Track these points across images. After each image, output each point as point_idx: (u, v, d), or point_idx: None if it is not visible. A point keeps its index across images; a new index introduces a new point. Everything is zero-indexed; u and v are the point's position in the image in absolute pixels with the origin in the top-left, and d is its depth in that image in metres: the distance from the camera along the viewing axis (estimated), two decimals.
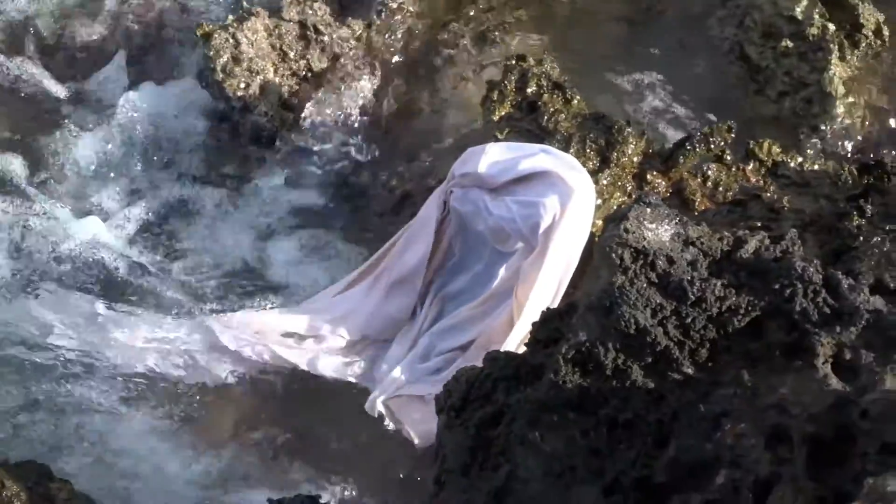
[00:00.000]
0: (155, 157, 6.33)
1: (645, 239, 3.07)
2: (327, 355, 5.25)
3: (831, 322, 2.89)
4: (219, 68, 6.29)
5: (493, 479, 3.24)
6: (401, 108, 6.40)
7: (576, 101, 5.53)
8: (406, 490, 4.87)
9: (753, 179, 5.36)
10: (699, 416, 2.97)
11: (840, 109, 5.74)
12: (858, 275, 3.67)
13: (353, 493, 4.84)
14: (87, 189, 6.16)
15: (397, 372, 5.13)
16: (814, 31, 5.81)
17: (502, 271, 5.18)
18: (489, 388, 3.47)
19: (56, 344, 5.24)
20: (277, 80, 6.38)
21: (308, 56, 6.45)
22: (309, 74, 6.46)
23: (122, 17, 6.94)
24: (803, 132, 5.77)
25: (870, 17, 5.95)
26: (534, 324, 3.57)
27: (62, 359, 5.17)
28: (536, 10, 6.75)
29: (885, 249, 4.74)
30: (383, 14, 6.65)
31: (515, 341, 4.82)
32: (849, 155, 5.74)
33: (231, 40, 6.29)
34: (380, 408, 5.02)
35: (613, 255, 3.04)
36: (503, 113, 5.60)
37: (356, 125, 6.37)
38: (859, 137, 5.79)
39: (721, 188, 5.36)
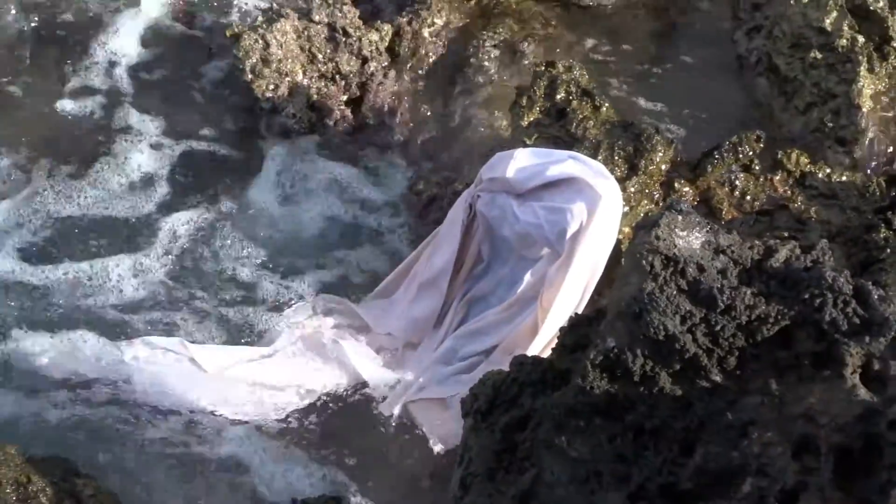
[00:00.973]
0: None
1: (676, 246, 3.07)
2: (363, 358, 5.26)
3: (860, 332, 2.90)
4: (248, 69, 6.33)
5: (519, 483, 3.26)
6: (428, 112, 6.41)
7: (604, 109, 5.53)
8: (425, 494, 4.87)
9: (781, 190, 5.36)
10: (726, 424, 2.98)
11: (868, 121, 5.72)
12: (885, 286, 3.65)
13: (374, 493, 4.84)
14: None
15: (419, 374, 5.15)
16: (843, 42, 5.80)
17: (528, 276, 5.18)
18: (516, 393, 3.48)
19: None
20: (306, 81, 6.39)
21: (337, 59, 6.45)
22: (337, 77, 6.46)
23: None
24: (830, 144, 5.76)
25: None
26: (561, 329, 3.58)
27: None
28: (565, 23, 6.76)
29: None
30: (413, 20, 6.65)
31: (539, 347, 4.82)
32: (875, 167, 5.72)
33: (260, 42, 6.31)
34: (396, 410, 5.04)
35: (644, 261, 3.05)
36: (532, 119, 5.60)
37: (383, 128, 6.38)
38: (888, 149, 5.77)
39: (748, 198, 5.36)
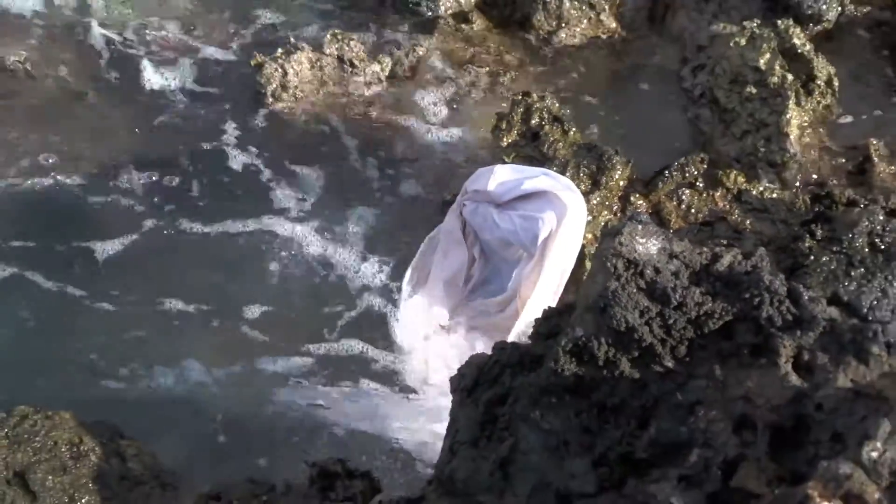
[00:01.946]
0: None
1: (636, 251, 3.06)
2: None
3: (793, 328, 2.89)
4: (269, 93, 6.32)
5: (499, 450, 3.24)
6: (421, 130, 6.38)
7: (572, 133, 5.55)
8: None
9: (721, 204, 5.37)
10: (676, 403, 2.97)
11: (794, 147, 5.72)
12: (810, 289, 3.66)
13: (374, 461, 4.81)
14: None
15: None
16: (774, 79, 5.80)
17: (513, 273, 5.17)
18: (497, 373, 3.46)
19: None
20: (316, 104, 6.40)
21: (344, 84, 6.46)
22: (345, 100, 6.46)
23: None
24: (763, 165, 5.76)
25: (822, 69, 5.94)
26: (536, 319, 3.57)
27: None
28: (539, 62, 6.76)
29: (833, 267, 4.74)
30: (409, 54, 6.65)
31: (517, 332, 4.83)
32: (801, 186, 5.72)
33: (280, 70, 6.33)
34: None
35: (608, 263, 3.04)
36: (510, 140, 5.61)
37: (383, 143, 6.35)
38: (811, 173, 5.78)
39: (693, 210, 5.38)
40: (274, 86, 6.33)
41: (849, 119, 6.12)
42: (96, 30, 6.85)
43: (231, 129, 6.31)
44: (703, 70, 6.38)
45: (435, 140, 6.24)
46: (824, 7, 6.42)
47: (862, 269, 4.75)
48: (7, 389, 4.76)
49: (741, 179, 5.50)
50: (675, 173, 5.43)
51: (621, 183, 5.37)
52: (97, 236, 5.63)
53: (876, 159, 5.74)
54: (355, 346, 5.24)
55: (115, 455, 3.96)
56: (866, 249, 4.83)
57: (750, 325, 2.95)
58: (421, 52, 6.70)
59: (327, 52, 6.46)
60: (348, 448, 4.77)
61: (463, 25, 6.94)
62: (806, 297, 2.92)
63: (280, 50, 6.43)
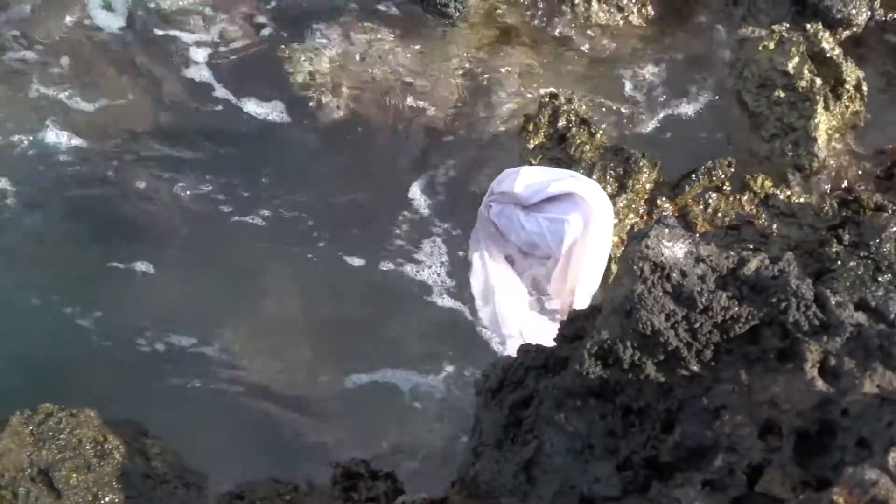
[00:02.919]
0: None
1: (662, 255, 3.07)
2: None
3: (819, 332, 2.89)
4: (297, 83, 6.47)
5: (523, 452, 3.26)
6: (446, 127, 6.37)
7: (599, 135, 5.54)
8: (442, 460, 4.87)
9: (748, 208, 5.35)
10: (702, 407, 2.97)
11: (822, 152, 5.69)
12: (836, 293, 3.65)
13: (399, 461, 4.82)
14: None
15: None
16: (803, 84, 5.77)
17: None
18: (522, 375, 3.48)
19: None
20: (344, 94, 6.47)
21: (372, 74, 6.57)
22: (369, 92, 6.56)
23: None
24: (790, 170, 5.73)
25: (851, 74, 5.90)
26: (561, 322, 3.58)
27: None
28: (567, 62, 6.74)
29: (860, 273, 4.73)
30: (438, 45, 6.70)
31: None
32: (828, 191, 5.70)
33: (307, 62, 6.48)
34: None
35: (635, 267, 3.05)
36: (537, 142, 5.61)
37: (411, 134, 6.36)
38: (839, 178, 5.75)
39: (720, 214, 5.36)
40: (301, 77, 6.48)
41: (877, 124, 6.08)
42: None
43: (276, 116, 6.41)
44: (731, 73, 6.36)
45: (461, 136, 6.26)
46: (854, 11, 6.38)
47: (889, 275, 4.75)
48: (33, 387, 4.80)
49: (768, 183, 5.48)
50: (702, 177, 5.42)
51: (648, 186, 5.37)
52: (128, 232, 5.72)
53: None
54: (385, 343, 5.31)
55: (139, 453, 3.98)
56: (894, 254, 4.83)
57: (776, 330, 2.95)
58: (451, 42, 6.74)
59: (355, 41, 6.59)
60: (372, 449, 4.78)
61: (490, 26, 6.94)
62: (833, 302, 2.92)
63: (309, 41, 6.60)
